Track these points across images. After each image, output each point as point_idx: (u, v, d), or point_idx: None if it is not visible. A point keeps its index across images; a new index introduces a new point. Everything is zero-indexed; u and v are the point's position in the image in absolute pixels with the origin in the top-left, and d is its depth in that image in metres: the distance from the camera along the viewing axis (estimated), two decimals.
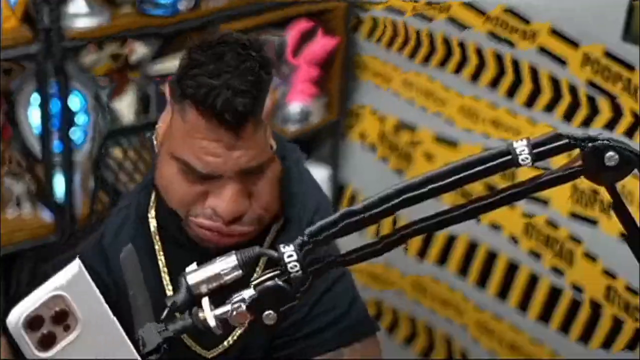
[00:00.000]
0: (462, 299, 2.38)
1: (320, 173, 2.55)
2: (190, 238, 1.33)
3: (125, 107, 2.16)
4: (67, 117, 1.98)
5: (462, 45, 2.25)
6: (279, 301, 0.93)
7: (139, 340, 0.95)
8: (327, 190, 2.58)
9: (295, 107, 2.49)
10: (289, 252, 0.92)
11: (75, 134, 2.05)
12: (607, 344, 2.09)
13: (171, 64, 2.13)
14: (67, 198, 2.01)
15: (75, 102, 2.04)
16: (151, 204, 1.41)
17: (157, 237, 1.40)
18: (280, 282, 0.92)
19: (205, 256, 1.14)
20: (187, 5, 2.11)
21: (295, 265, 0.92)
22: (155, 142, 1.33)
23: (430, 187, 0.91)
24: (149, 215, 1.41)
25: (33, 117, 2.02)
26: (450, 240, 2.37)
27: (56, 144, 1.99)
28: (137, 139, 2.09)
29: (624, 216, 0.96)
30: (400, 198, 0.92)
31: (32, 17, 1.91)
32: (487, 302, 2.32)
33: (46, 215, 2.05)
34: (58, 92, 1.95)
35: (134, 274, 0.98)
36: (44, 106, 1.96)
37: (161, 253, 1.39)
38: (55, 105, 1.96)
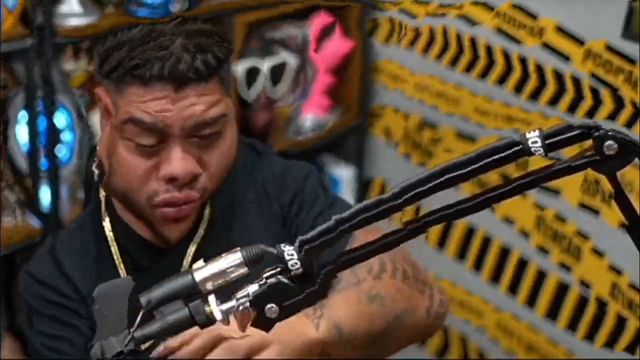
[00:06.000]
0: (481, 300, 2.36)
1: (345, 172, 2.56)
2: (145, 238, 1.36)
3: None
4: (54, 134, 2.00)
5: (472, 41, 2.25)
6: (282, 296, 0.95)
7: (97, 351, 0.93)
8: (352, 189, 2.57)
9: (310, 118, 2.47)
10: (289, 250, 0.93)
11: (61, 151, 2.05)
12: (610, 343, 2.08)
13: None
14: (53, 208, 2.03)
15: (61, 119, 2.03)
16: (103, 214, 1.41)
17: (116, 249, 1.40)
18: (282, 279, 0.94)
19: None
20: (180, 7, 2.05)
21: (296, 263, 0.93)
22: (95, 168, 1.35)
23: (445, 177, 0.91)
24: (105, 228, 1.40)
25: (21, 134, 2.03)
26: (469, 235, 2.36)
27: (43, 161, 2.01)
28: None
29: (625, 205, 0.95)
30: (412, 193, 0.92)
31: (28, 15, 1.93)
32: (504, 302, 2.31)
33: (35, 223, 2.06)
34: (44, 109, 1.96)
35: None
36: (31, 124, 1.98)
37: (120, 263, 1.39)
38: (42, 123, 1.98)
